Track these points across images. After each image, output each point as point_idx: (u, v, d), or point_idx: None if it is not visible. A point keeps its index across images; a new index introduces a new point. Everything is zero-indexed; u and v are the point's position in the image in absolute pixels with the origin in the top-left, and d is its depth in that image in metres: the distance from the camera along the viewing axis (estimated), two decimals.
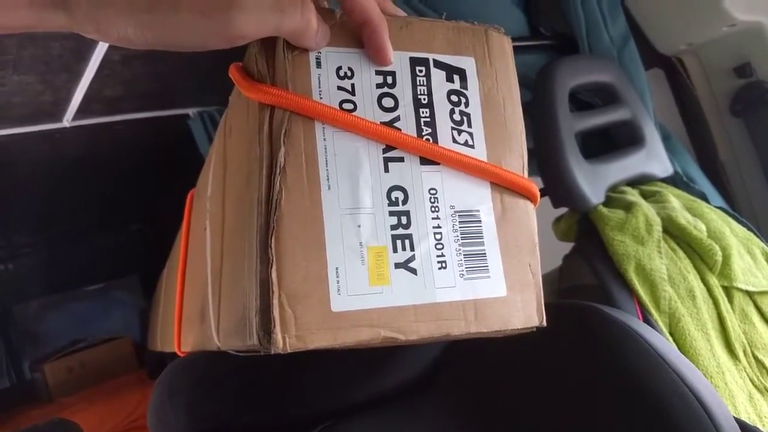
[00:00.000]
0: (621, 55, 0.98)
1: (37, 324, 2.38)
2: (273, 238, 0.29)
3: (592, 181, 0.80)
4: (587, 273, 0.76)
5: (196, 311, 0.49)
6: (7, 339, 2.32)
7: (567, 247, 0.87)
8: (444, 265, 0.32)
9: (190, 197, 0.64)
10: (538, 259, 0.36)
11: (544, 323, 0.35)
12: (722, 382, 0.66)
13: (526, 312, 0.34)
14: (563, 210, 0.87)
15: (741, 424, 0.40)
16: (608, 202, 0.82)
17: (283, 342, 0.28)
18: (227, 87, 0.44)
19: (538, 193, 0.36)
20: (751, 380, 0.69)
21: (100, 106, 1.21)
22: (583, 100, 0.96)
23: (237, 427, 0.48)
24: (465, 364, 0.51)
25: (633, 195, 0.84)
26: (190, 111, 1.40)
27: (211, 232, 0.43)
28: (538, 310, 0.35)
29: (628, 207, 0.79)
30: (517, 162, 0.36)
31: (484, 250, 0.33)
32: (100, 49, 0.92)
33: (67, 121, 1.22)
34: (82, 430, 0.48)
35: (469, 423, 0.47)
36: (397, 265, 0.31)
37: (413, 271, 0.31)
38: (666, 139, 0.96)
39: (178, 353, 0.63)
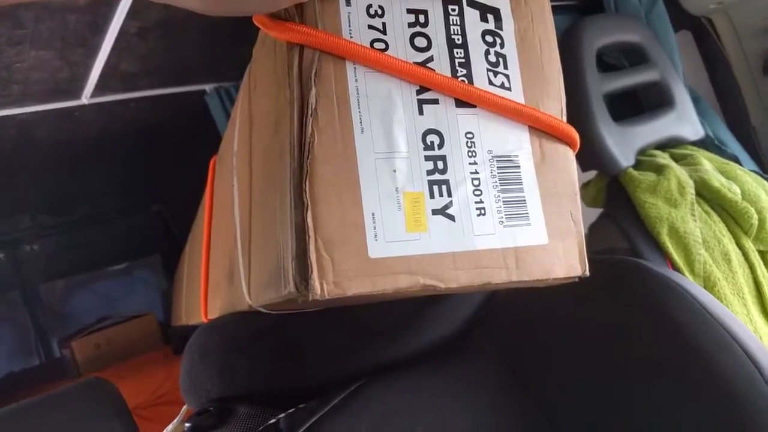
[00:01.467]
0: (649, 16, 0.94)
1: (64, 303, 2.43)
2: (307, 181, 0.28)
3: (622, 143, 0.78)
4: (618, 237, 0.74)
5: (224, 274, 0.48)
6: (35, 318, 2.37)
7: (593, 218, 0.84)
8: (483, 211, 0.31)
9: (212, 163, 0.64)
10: (579, 206, 0.34)
11: (587, 273, 0.33)
12: None
13: (567, 261, 0.33)
14: (590, 177, 0.85)
15: None
16: (638, 165, 0.80)
17: (321, 288, 0.27)
18: (244, 62, 0.43)
19: (578, 138, 0.35)
20: None
21: (118, 82, 1.20)
22: (609, 63, 0.93)
23: (270, 387, 0.48)
24: (500, 323, 0.50)
25: (664, 158, 0.81)
26: (207, 87, 1.39)
27: (238, 188, 0.42)
28: (581, 259, 0.33)
29: (660, 170, 0.77)
30: (555, 106, 0.34)
31: (523, 196, 0.32)
32: (117, 21, 0.91)
33: (85, 98, 1.22)
34: (118, 390, 0.48)
35: (504, 380, 0.46)
36: (435, 212, 0.30)
37: (451, 217, 0.30)
38: (695, 102, 0.93)
39: (205, 321, 0.63)
